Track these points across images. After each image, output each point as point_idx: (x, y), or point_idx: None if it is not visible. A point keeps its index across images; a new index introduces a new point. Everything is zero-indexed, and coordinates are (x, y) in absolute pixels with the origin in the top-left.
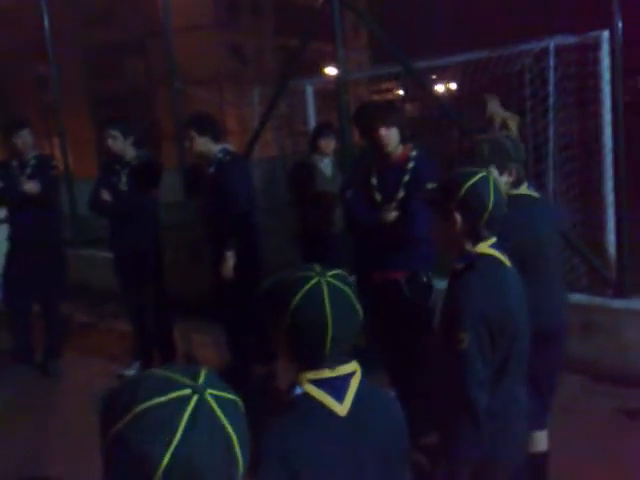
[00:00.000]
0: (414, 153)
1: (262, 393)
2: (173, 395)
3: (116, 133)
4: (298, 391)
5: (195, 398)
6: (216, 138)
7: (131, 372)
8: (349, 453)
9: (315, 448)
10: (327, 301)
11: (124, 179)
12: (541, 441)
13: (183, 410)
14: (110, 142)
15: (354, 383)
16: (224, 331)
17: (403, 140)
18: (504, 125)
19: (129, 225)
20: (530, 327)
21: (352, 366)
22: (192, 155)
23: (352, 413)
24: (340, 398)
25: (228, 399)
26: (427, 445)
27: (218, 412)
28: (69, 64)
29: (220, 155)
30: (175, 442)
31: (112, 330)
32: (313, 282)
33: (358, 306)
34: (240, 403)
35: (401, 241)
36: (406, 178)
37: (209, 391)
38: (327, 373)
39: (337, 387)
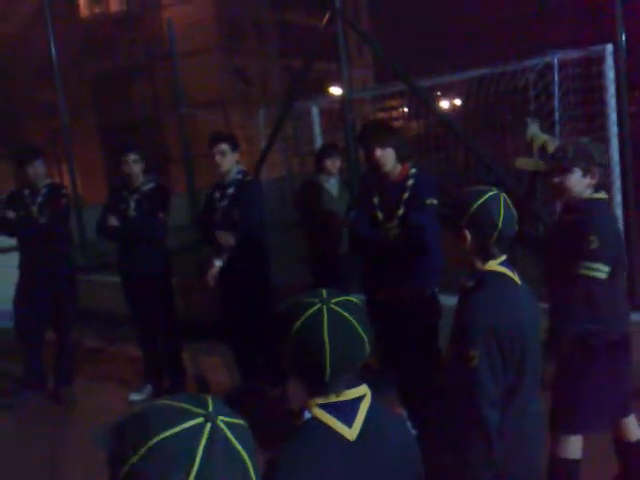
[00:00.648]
0: (413, 171)
1: (274, 415)
2: (187, 425)
3: (137, 157)
4: (307, 415)
5: (208, 426)
6: (238, 158)
7: (142, 397)
8: (357, 477)
9: (324, 473)
10: (326, 328)
11: (133, 205)
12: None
13: (199, 439)
14: (132, 166)
15: (363, 407)
16: (234, 353)
17: (402, 159)
18: (544, 148)
19: (138, 249)
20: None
21: (361, 390)
22: (220, 171)
23: (361, 437)
24: (349, 422)
25: (238, 424)
26: (440, 466)
27: (231, 438)
28: (77, 91)
29: (239, 176)
30: (194, 471)
31: (122, 355)
32: (315, 308)
33: (362, 333)
34: (247, 427)
35: (405, 258)
36: (406, 195)
37: (220, 418)
38: (334, 398)
39: (346, 411)
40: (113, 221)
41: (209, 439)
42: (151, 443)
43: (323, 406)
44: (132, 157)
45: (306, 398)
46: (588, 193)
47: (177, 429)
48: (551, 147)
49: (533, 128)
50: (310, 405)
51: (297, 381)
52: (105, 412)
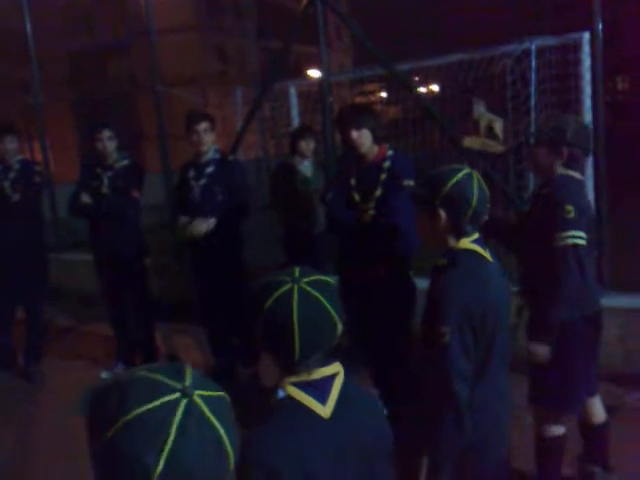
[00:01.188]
0: (390, 152)
1: (247, 394)
2: (163, 400)
3: (111, 134)
4: (281, 394)
5: (184, 402)
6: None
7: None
8: (332, 454)
9: (298, 450)
10: (295, 307)
11: (106, 182)
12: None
13: (173, 415)
14: (106, 143)
15: (337, 384)
16: (207, 333)
17: (378, 140)
18: (489, 127)
19: (111, 228)
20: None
21: (334, 367)
22: (200, 150)
23: (335, 415)
24: (323, 400)
25: (216, 397)
26: (408, 444)
27: (207, 413)
28: (52, 67)
29: (217, 155)
30: (168, 448)
31: (94, 333)
32: (286, 287)
33: (333, 312)
34: (227, 398)
35: (381, 239)
36: (383, 177)
37: (197, 392)
38: (306, 376)
39: (320, 389)
40: (86, 198)
41: (184, 415)
42: (126, 418)
43: (297, 384)
44: (106, 134)
45: (279, 377)
46: (560, 170)
47: (153, 404)
48: (497, 126)
49: (479, 108)
50: (284, 384)
51: (269, 360)
52: (75, 390)
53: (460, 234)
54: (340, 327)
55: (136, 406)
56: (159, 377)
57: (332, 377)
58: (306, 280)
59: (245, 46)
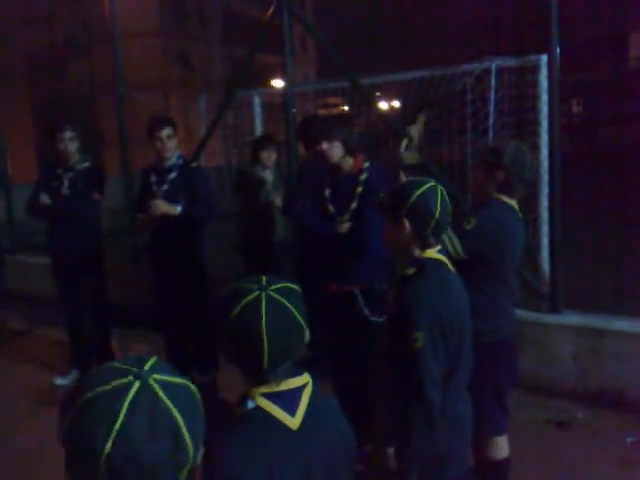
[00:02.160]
0: (367, 164)
1: (204, 403)
2: (116, 383)
3: (73, 135)
4: (251, 405)
5: (137, 384)
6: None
7: (67, 382)
8: (299, 466)
9: (266, 462)
10: (264, 315)
11: (67, 183)
12: (503, 446)
13: (124, 396)
14: (68, 144)
15: (305, 396)
16: (165, 340)
17: (352, 152)
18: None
19: (70, 230)
20: (499, 334)
21: (303, 379)
22: (163, 156)
23: (303, 426)
24: (292, 412)
25: (176, 383)
26: (366, 452)
27: (161, 395)
28: (9, 65)
29: (180, 161)
30: (117, 427)
31: (47, 337)
32: (254, 295)
33: (301, 320)
34: (192, 389)
35: (355, 253)
36: (359, 189)
37: (153, 376)
38: (274, 386)
39: (289, 401)
40: (45, 199)
41: (136, 396)
42: (82, 400)
43: (266, 395)
44: (68, 134)
45: (247, 387)
46: (491, 191)
47: (106, 387)
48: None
49: (413, 127)
50: (253, 394)
51: (237, 369)
52: (24, 394)
53: (425, 245)
54: (307, 334)
55: (92, 388)
56: (122, 365)
57: (301, 388)
58: (273, 287)
59: (210, 53)
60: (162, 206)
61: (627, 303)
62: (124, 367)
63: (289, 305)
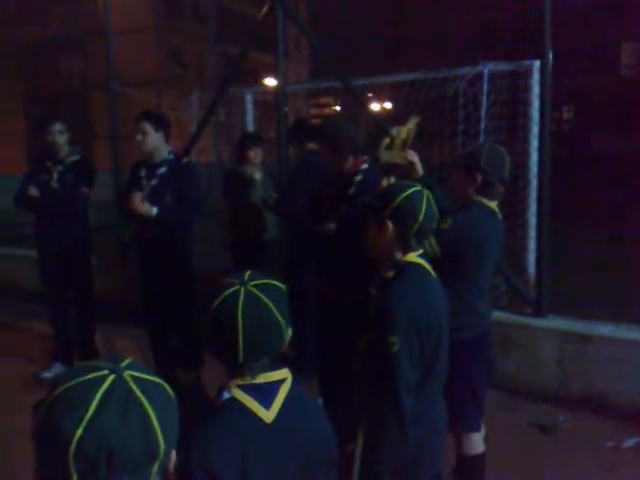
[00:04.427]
0: (365, 166)
1: (188, 400)
2: (91, 375)
3: (62, 128)
4: (226, 395)
5: (111, 377)
6: (167, 138)
7: (50, 374)
8: (271, 459)
9: (237, 452)
10: (240, 309)
11: (56, 176)
12: (479, 442)
13: (98, 387)
14: (57, 136)
15: (283, 390)
16: (150, 336)
17: (354, 152)
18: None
19: (58, 223)
20: (472, 330)
21: (282, 373)
22: (143, 151)
23: (278, 420)
24: (267, 405)
25: (150, 381)
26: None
27: (134, 389)
28: (2, 59)
29: (171, 156)
30: (88, 416)
31: (31, 331)
32: (233, 289)
33: (279, 316)
34: (166, 387)
35: (345, 256)
36: (351, 190)
37: (128, 372)
38: (250, 379)
39: (265, 393)
40: (33, 191)
41: (108, 389)
42: (56, 392)
43: (242, 387)
44: (58, 127)
45: (226, 379)
46: (471, 193)
47: (81, 379)
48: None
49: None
50: (230, 386)
51: (216, 361)
52: (6, 386)
53: (407, 248)
54: (288, 333)
55: (67, 382)
56: (98, 362)
57: (279, 382)
58: (254, 283)
59: (203, 50)
60: (139, 205)
61: (612, 309)
62: (99, 364)
63: (268, 301)
